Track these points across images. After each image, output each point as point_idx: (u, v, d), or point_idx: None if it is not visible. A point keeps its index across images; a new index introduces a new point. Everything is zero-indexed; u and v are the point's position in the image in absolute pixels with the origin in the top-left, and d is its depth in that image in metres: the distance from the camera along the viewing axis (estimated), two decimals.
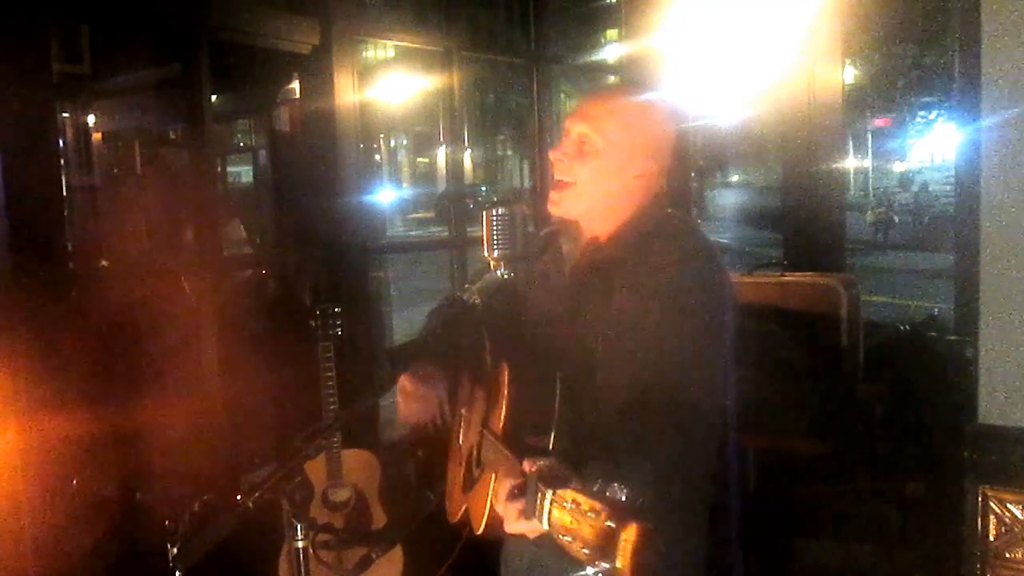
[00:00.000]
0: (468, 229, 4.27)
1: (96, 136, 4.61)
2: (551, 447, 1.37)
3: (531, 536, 1.15)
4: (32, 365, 2.40)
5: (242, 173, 6.69)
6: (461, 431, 1.72)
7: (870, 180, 23.76)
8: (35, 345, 2.42)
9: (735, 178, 27.02)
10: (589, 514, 0.96)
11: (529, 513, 1.08)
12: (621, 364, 1.41)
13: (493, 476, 1.40)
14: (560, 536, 1.00)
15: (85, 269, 3.35)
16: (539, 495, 1.05)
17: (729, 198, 23.65)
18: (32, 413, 2.38)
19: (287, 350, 3.22)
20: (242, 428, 3.17)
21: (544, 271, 1.67)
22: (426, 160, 28.72)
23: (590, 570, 0.98)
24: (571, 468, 1.06)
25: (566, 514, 0.99)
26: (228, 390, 3.12)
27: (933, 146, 24.56)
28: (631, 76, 4.40)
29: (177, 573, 1.20)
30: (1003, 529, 1.70)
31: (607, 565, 0.94)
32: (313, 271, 3.62)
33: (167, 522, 1.20)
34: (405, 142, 28.47)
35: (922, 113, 21.93)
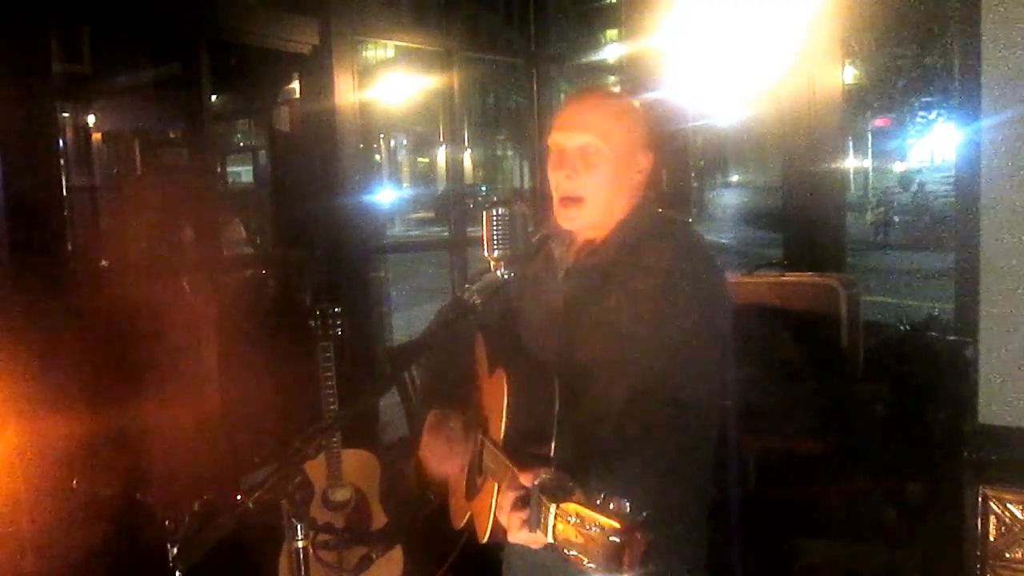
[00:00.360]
0: (468, 229, 4.27)
1: (96, 136, 4.62)
2: (552, 455, 1.37)
3: (535, 547, 1.15)
4: (32, 365, 2.40)
5: (242, 173, 6.70)
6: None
7: (870, 180, 23.74)
8: (35, 345, 2.42)
9: (735, 178, 27.01)
10: (593, 529, 0.96)
11: (533, 526, 1.08)
12: (619, 368, 1.40)
13: (496, 485, 1.39)
14: (565, 549, 1.00)
15: (85, 269, 3.35)
16: (543, 508, 1.05)
17: (729, 198, 23.64)
18: (32, 413, 2.38)
19: (287, 350, 3.22)
20: (242, 428, 3.17)
21: (536, 276, 1.66)
22: (426, 160, 28.71)
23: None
24: (574, 480, 1.05)
25: (570, 528, 0.99)
26: (228, 390, 3.13)
27: (933, 146, 24.56)
28: (631, 76, 4.40)
29: (177, 573, 1.20)
30: (1003, 529, 1.70)
31: None
32: (313, 271, 3.62)
33: (167, 522, 1.20)
34: (405, 142, 28.46)
35: (922, 113, 21.91)
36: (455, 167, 4.71)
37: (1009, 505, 1.69)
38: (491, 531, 1.41)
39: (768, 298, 2.92)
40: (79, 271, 3.16)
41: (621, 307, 1.46)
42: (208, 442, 3.03)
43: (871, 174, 24.05)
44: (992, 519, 1.71)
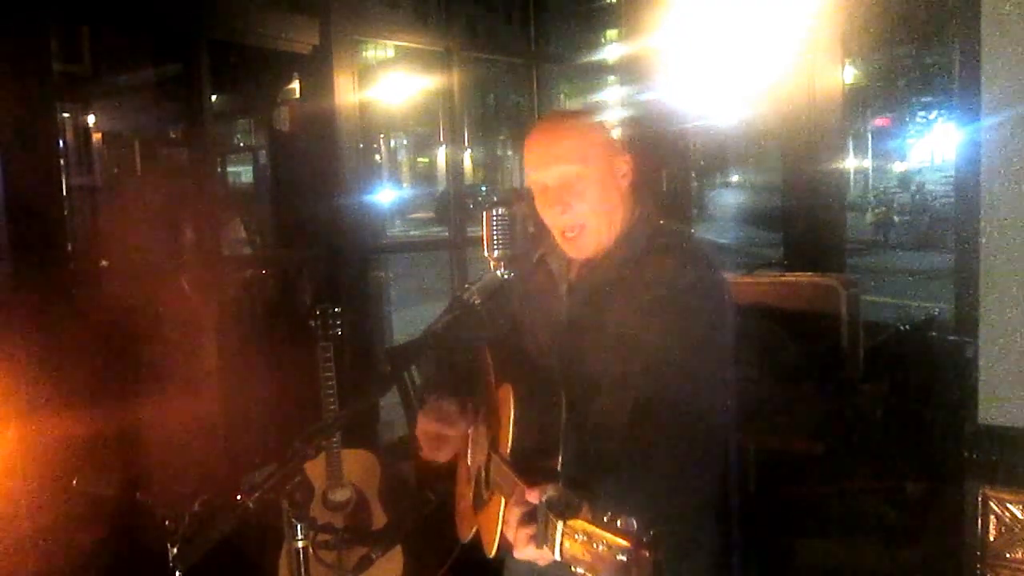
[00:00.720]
0: (468, 229, 4.27)
1: (96, 136, 4.61)
2: (558, 469, 1.37)
3: (541, 563, 1.13)
4: (32, 365, 2.40)
5: (242, 173, 6.70)
6: (469, 450, 1.71)
7: (870, 180, 23.75)
8: (35, 345, 2.42)
9: (735, 178, 27.00)
10: (601, 547, 0.95)
11: (540, 542, 1.08)
12: (625, 382, 1.40)
13: (502, 500, 1.39)
14: (573, 567, 1.00)
15: (85, 269, 3.35)
16: (550, 525, 1.04)
17: (729, 198, 23.62)
18: (32, 413, 2.38)
19: (287, 350, 3.22)
20: (242, 428, 3.17)
21: (538, 292, 1.66)
22: (426, 160, 28.72)
23: None
24: (581, 496, 1.05)
25: (578, 545, 0.99)
26: (228, 390, 3.13)
27: (933, 146, 24.57)
28: (631, 76, 4.40)
29: (177, 573, 1.20)
30: (1003, 529, 1.70)
31: None
32: (313, 271, 3.62)
33: (167, 522, 1.20)
34: (405, 142, 28.47)
35: (922, 113, 21.93)
36: (455, 167, 4.71)
37: (1009, 505, 1.68)
38: (498, 546, 1.41)
39: (768, 298, 2.92)
40: (79, 271, 3.16)
41: (626, 322, 1.45)
42: (208, 442, 3.03)
43: (871, 174, 24.06)
44: (992, 519, 1.71)
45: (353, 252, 3.57)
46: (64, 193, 2.90)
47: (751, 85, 3.90)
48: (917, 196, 20.56)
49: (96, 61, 4.11)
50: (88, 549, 2.51)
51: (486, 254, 1.52)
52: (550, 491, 1.09)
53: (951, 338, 3.03)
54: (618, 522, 0.96)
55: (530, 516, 1.13)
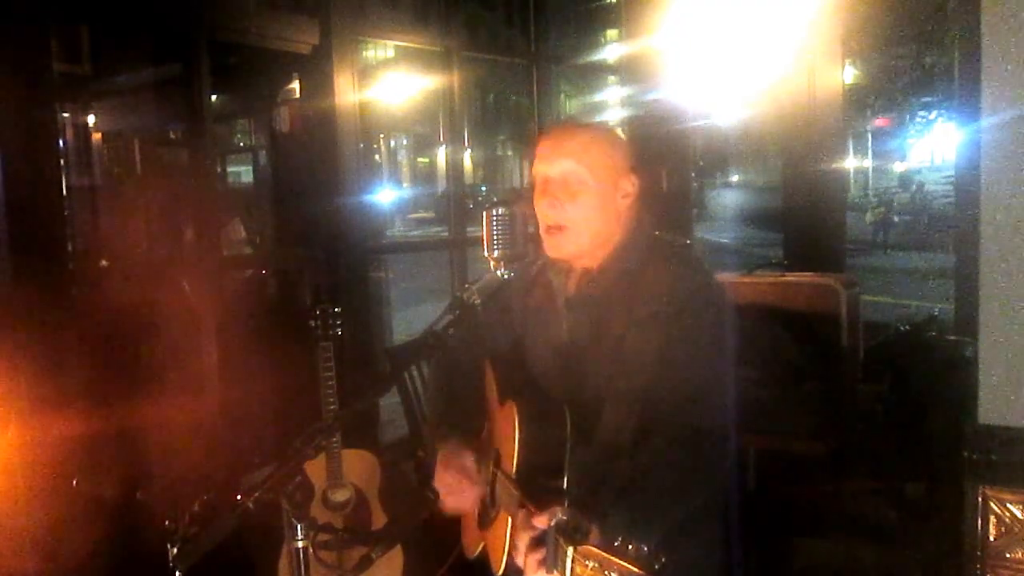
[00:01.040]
0: (468, 229, 4.27)
1: (96, 136, 4.61)
2: (564, 487, 1.36)
3: None
4: (32, 365, 2.40)
5: (242, 173, 6.70)
6: None
7: (870, 180, 23.75)
8: (35, 345, 2.42)
9: (735, 178, 27.01)
10: (612, 574, 0.95)
11: (550, 567, 1.07)
12: (628, 397, 1.40)
13: (509, 518, 1.39)
14: None
15: (85, 269, 3.35)
16: (559, 550, 1.04)
17: (729, 198, 23.64)
18: (32, 413, 2.38)
19: (287, 350, 3.22)
20: (242, 428, 3.17)
21: (538, 306, 1.65)
22: (426, 160, 28.72)
23: None
24: (589, 519, 1.05)
25: (588, 572, 0.98)
26: (228, 390, 3.13)
27: (933, 146, 24.56)
28: (631, 76, 4.40)
29: (177, 573, 1.20)
30: (1003, 529, 1.70)
31: None
32: (313, 271, 3.62)
33: (167, 522, 1.20)
34: (405, 142, 28.47)
35: (922, 113, 21.91)
36: (455, 167, 4.71)
37: (1009, 505, 1.68)
38: (506, 564, 1.41)
39: (768, 298, 2.92)
40: (79, 271, 3.16)
41: (625, 333, 1.45)
42: (208, 442, 3.03)
43: (871, 174, 24.06)
44: (992, 519, 1.71)
45: (353, 252, 3.57)
46: (64, 193, 2.89)
47: (751, 85, 3.90)
48: (917, 196, 20.57)
49: (96, 61, 4.11)
50: (88, 549, 2.51)
51: (486, 254, 1.52)
52: (559, 514, 1.09)
53: (951, 338, 3.03)
54: (629, 547, 0.96)
55: (539, 540, 1.13)
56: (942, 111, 20.34)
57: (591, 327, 1.52)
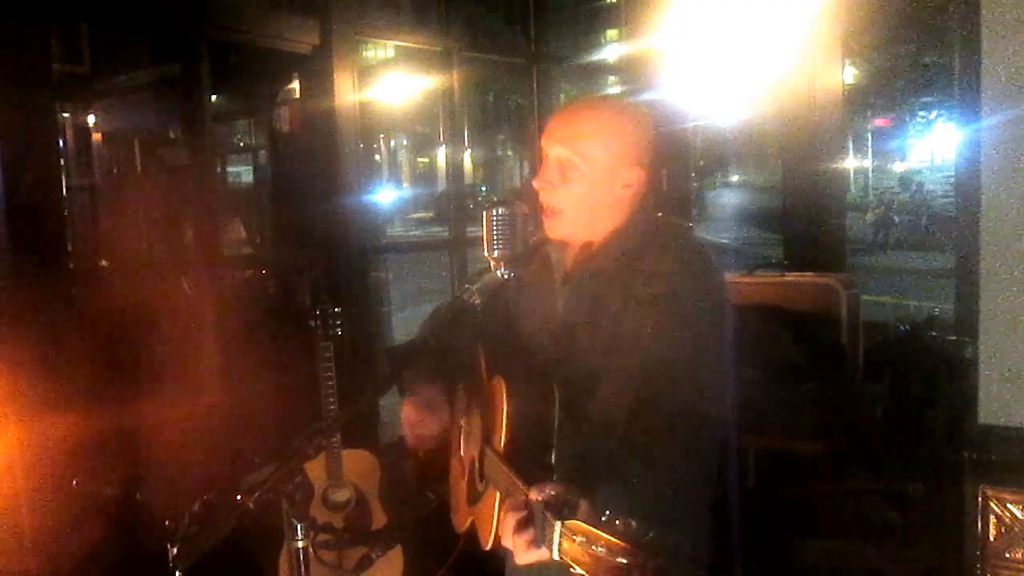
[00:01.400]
0: (468, 229, 4.27)
1: (96, 136, 4.62)
2: (553, 463, 1.36)
3: (545, 563, 1.12)
4: (32, 365, 2.40)
5: (242, 173, 6.69)
6: (461, 443, 1.71)
7: (870, 180, 23.74)
8: (35, 345, 2.42)
9: (735, 178, 27.00)
10: (600, 550, 0.95)
11: (538, 543, 1.07)
12: (620, 376, 1.39)
13: (498, 494, 1.39)
14: (571, 568, 1.00)
15: (85, 269, 3.35)
16: (547, 525, 1.03)
17: (729, 198, 23.63)
18: (32, 413, 2.38)
19: (287, 350, 3.22)
20: (242, 428, 3.17)
21: (534, 281, 1.65)
22: (426, 160, 28.73)
23: None
24: (578, 494, 1.04)
25: (576, 547, 0.98)
26: (228, 390, 3.12)
27: (933, 146, 24.56)
28: (631, 76, 4.40)
29: (177, 573, 1.20)
30: (1003, 529, 1.70)
31: None
32: (313, 271, 3.62)
33: (167, 522, 1.20)
34: (405, 142, 28.47)
35: (922, 113, 21.92)
36: (455, 167, 4.71)
37: (1009, 505, 1.68)
38: (495, 539, 1.41)
39: (768, 298, 2.92)
40: (79, 271, 3.16)
41: (622, 315, 1.44)
42: (208, 442, 3.03)
43: (871, 174, 24.05)
44: (992, 519, 1.71)
45: (353, 252, 3.57)
46: (64, 193, 2.90)
47: (751, 85, 3.90)
48: (917, 196, 20.57)
49: (96, 61, 4.11)
50: (88, 549, 2.51)
51: (486, 254, 1.52)
52: (547, 490, 1.08)
53: (951, 338, 3.03)
54: (617, 523, 0.95)
55: (527, 520, 1.13)
56: (942, 111, 20.36)
57: (587, 303, 1.52)
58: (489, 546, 1.44)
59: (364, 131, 3.94)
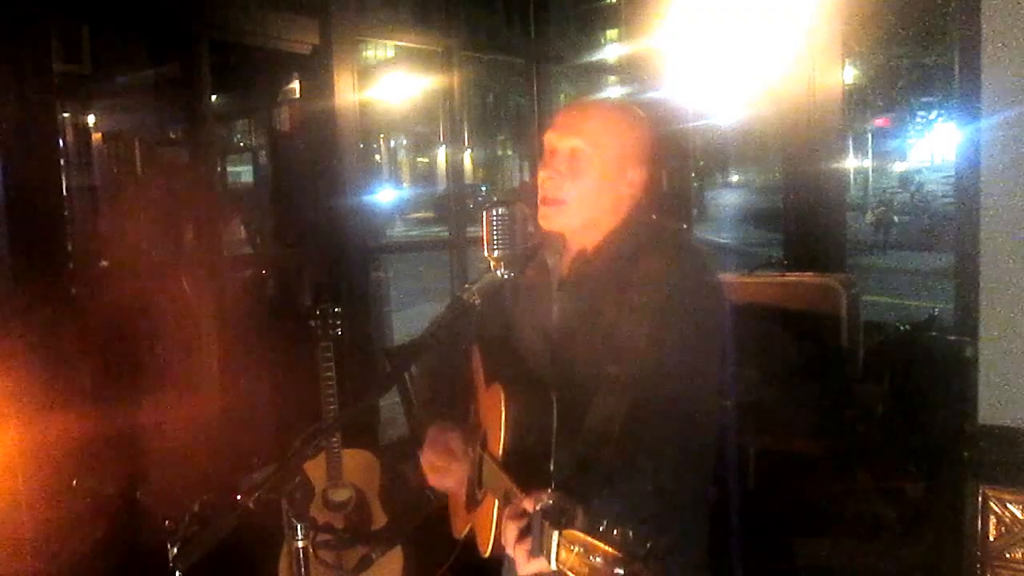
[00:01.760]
0: (468, 229, 4.27)
1: (96, 136, 4.61)
2: (551, 470, 1.36)
3: (545, 573, 1.12)
4: (32, 365, 2.40)
5: (242, 173, 6.70)
6: None
7: (870, 180, 23.75)
8: (35, 345, 2.42)
9: (735, 178, 27.02)
10: (597, 560, 0.95)
11: (536, 552, 1.07)
12: (617, 380, 1.38)
13: (495, 500, 1.39)
14: None
15: (85, 269, 3.35)
16: (545, 535, 1.03)
17: (729, 198, 23.65)
18: (32, 413, 2.38)
19: (287, 350, 3.22)
20: (242, 428, 3.17)
21: (530, 286, 1.64)
22: (426, 160, 28.74)
23: None
24: (576, 503, 1.04)
25: (574, 556, 0.98)
26: (228, 390, 3.13)
27: (933, 146, 24.57)
28: (631, 76, 4.41)
29: (177, 573, 1.20)
30: (1003, 529, 1.70)
31: None
32: (313, 271, 3.62)
33: (167, 522, 1.20)
34: (405, 142, 28.48)
35: (922, 113, 21.94)
36: (455, 167, 4.71)
37: (1009, 505, 1.68)
38: (493, 546, 1.41)
39: (768, 298, 2.92)
40: (79, 271, 3.15)
41: (618, 319, 1.43)
42: (208, 442, 3.03)
43: (871, 174, 24.06)
44: (992, 519, 1.71)
45: (353, 252, 3.57)
46: (64, 193, 2.89)
47: (751, 85, 3.90)
48: (917, 196, 20.59)
49: (96, 61, 4.11)
50: (88, 549, 2.51)
51: (486, 254, 1.52)
52: (545, 499, 1.08)
53: (951, 338, 3.03)
54: (614, 532, 0.95)
55: (526, 530, 1.12)
56: (942, 111, 20.36)
57: (583, 309, 1.51)
58: (488, 553, 1.44)
59: (364, 131, 3.95)
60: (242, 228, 4.52)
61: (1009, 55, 1.64)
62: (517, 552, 1.14)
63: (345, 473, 2.81)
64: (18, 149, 2.43)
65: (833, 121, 3.79)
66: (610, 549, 0.94)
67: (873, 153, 24.06)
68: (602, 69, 5.77)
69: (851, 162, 21.78)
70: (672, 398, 1.35)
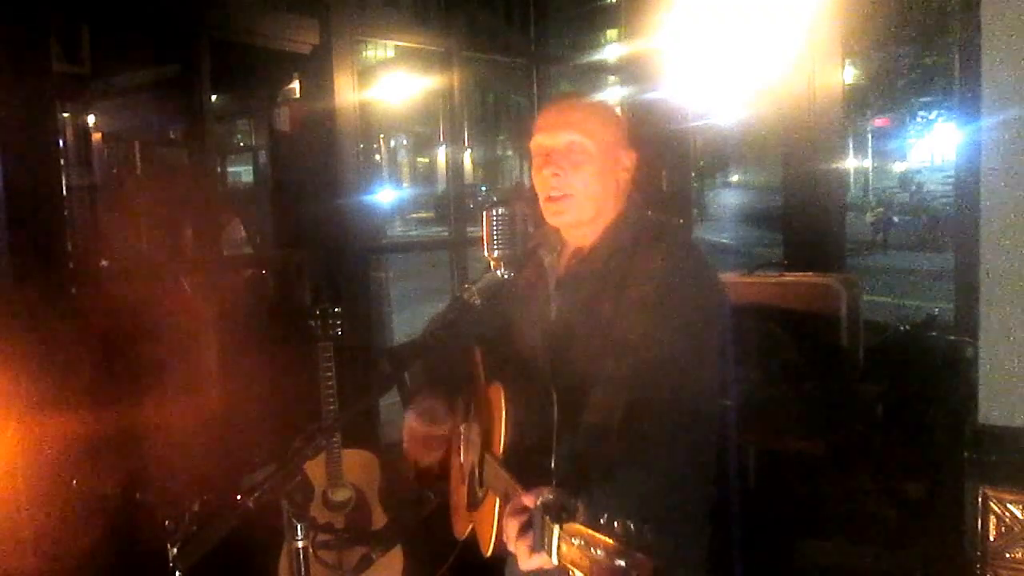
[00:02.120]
0: (468, 229, 4.27)
1: (96, 136, 4.61)
2: (552, 467, 1.36)
3: (546, 567, 1.13)
4: (32, 365, 2.40)
5: (242, 173, 6.70)
6: (461, 448, 1.71)
7: (870, 180, 23.76)
8: (35, 345, 2.42)
9: (735, 178, 27.02)
10: (598, 552, 0.95)
11: (537, 547, 1.07)
12: (617, 377, 1.39)
13: (497, 500, 1.39)
14: (571, 571, 1.00)
15: (85, 269, 3.34)
16: (546, 529, 1.04)
17: (729, 198, 23.65)
18: (32, 413, 2.38)
19: (287, 350, 3.22)
20: (242, 428, 3.17)
21: (528, 286, 1.65)
22: (426, 160, 28.75)
23: None
24: (576, 498, 1.05)
25: (575, 550, 0.98)
26: (228, 390, 3.13)
27: (933, 146, 24.57)
28: (631, 76, 4.40)
29: (177, 573, 1.20)
30: (1003, 529, 1.70)
31: None
32: (313, 271, 3.62)
33: (167, 522, 1.20)
34: (405, 142, 28.49)
35: (922, 113, 21.95)
36: (455, 167, 4.70)
37: (1009, 505, 1.68)
38: (495, 545, 1.41)
39: (768, 298, 2.92)
40: (79, 271, 3.15)
41: (615, 315, 1.44)
42: (208, 442, 3.03)
43: (871, 174, 24.07)
44: (992, 519, 1.71)
45: (353, 252, 3.57)
46: (64, 193, 2.89)
47: (751, 85, 3.90)
48: (917, 196, 20.59)
49: (96, 61, 4.11)
50: (88, 549, 2.51)
51: (486, 254, 1.52)
52: (545, 494, 1.09)
53: (951, 338, 3.03)
54: (615, 525, 0.95)
55: (527, 525, 1.13)
56: (942, 111, 20.37)
57: (581, 306, 1.52)
58: (489, 553, 1.44)
59: (364, 131, 3.95)
60: (242, 228, 4.52)
61: (1009, 55, 1.64)
62: (518, 548, 1.15)
63: (345, 473, 2.81)
64: (18, 149, 2.43)
65: (833, 121, 3.78)
66: (610, 541, 0.94)
67: (873, 153, 24.07)
68: (602, 69, 5.77)
69: (851, 162, 21.79)
70: (671, 391, 1.35)
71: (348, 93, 3.50)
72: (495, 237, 1.50)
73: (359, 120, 3.65)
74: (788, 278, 3.06)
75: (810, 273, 3.09)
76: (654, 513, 1.12)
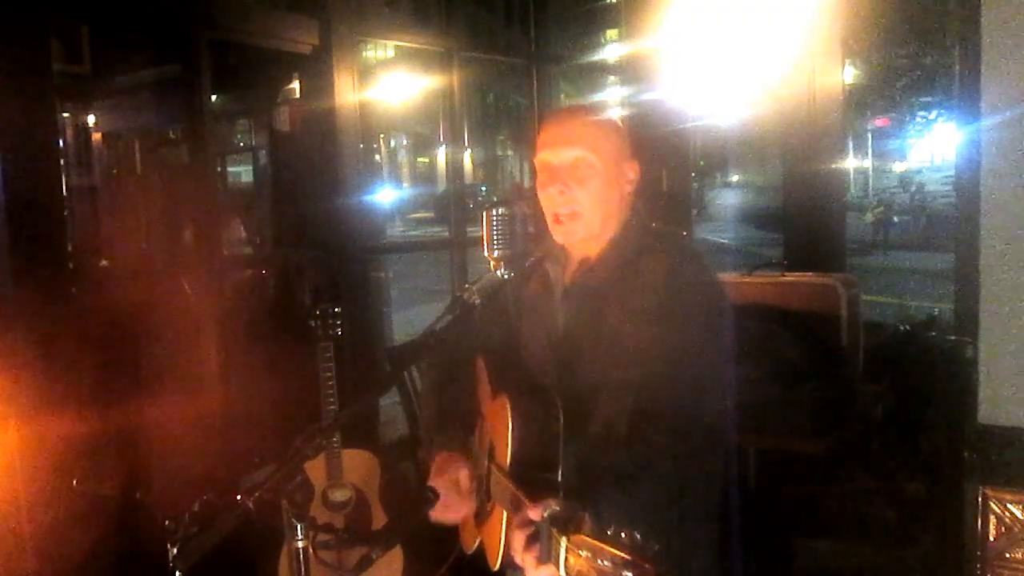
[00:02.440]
0: (468, 229, 4.27)
1: (96, 136, 4.61)
2: (559, 479, 1.36)
3: None
4: (32, 365, 2.40)
5: (242, 173, 6.69)
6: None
7: (870, 180, 23.75)
8: (35, 345, 2.42)
9: (735, 178, 27.02)
10: (605, 562, 0.95)
11: (544, 559, 1.07)
12: (622, 388, 1.39)
13: (504, 512, 1.39)
14: None
15: (85, 269, 3.35)
16: (553, 541, 1.04)
17: (729, 198, 23.64)
18: (32, 413, 2.38)
19: (287, 350, 3.22)
20: (242, 428, 3.17)
21: (533, 298, 1.65)
22: (426, 160, 28.73)
23: None
24: (583, 510, 1.04)
25: (582, 561, 0.98)
26: (228, 390, 3.13)
27: (933, 146, 24.57)
28: (631, 76, 4.40)
29: (177, 573, 1.19)
30: (1003, 529, 1.70)
31: None
32: (313, 271, 3.62)
33: (167, 522, 1.20)
34: (405, 142, 28.47)
35: (922, 113, 21.93)
36: (455, 167, 4.71)
37: (1009, 505, 1.68)
38: (503, 558, 1.41)
39: (768, 298, 2.92)
40: (79, 271, 3.16)
41: (620, 327, 1.44)
42: (208, 442, 3.03)
43: (871, 174, 24.07)
44: (992, 519, 1.71)
45: (353, 252, 3.57)
46: (64, 193, 2.89)
47: (751, 85, 3.90)
48: (917, 196, 20.56)
49: (96, 61, 4.11)
50: (88, 549, 2.51)
51: (486, 254, 1.52)
52: (552, 506, 1.08)
53: (951, 338, 3.03)
54: (622, 536, 0.95)
55: (534, 538, 1.12)
56: (942, 111, 20.36)
57: (587, 318, 1.52)
58: (497, 565, 1.44)
59: (364, 131, 3.94)
60: (242, 228, 4.52)
61: (1009, 55, 1.64)
62: (526, 559, 1.15)
63: (345, 473, 2.81)
64: (18, 149, 2.43)
65: (833, 121, 3.78)
66: (617, 551, 0.94)
67: (873, 153, 24.06)
68: (602, 69, 5.78)
69: (851, 162, 21.79)
70: (677, 401, 1.35)
71: (348, 93, 3.50)
72: (495, 237, 1.51)
73: (359, 120, 3.65)
74: (788, 278, 3.06)
75: (810, 273, 3.09)
76: (662, 520, 1.12)
